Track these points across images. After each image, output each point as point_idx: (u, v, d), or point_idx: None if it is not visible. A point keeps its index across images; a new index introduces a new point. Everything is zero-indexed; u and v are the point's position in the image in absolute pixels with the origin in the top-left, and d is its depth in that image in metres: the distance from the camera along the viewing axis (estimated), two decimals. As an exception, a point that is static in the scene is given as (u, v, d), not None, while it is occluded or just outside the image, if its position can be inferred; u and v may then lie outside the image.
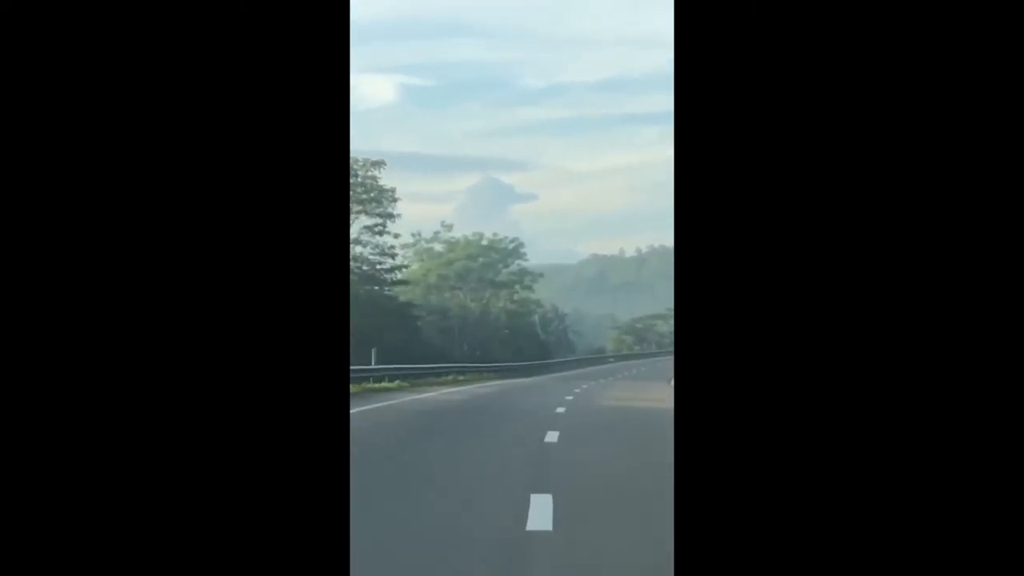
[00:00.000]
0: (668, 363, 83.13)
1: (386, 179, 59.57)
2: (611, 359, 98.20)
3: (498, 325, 79.34)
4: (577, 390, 35.12)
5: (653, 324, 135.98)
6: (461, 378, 48.52)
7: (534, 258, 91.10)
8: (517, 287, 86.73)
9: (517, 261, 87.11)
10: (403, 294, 65.70)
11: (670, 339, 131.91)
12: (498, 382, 46.51)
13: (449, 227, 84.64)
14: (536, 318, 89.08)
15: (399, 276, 63.65)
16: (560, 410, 22.74)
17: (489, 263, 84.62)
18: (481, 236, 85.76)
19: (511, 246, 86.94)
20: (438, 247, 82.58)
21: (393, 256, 62.32)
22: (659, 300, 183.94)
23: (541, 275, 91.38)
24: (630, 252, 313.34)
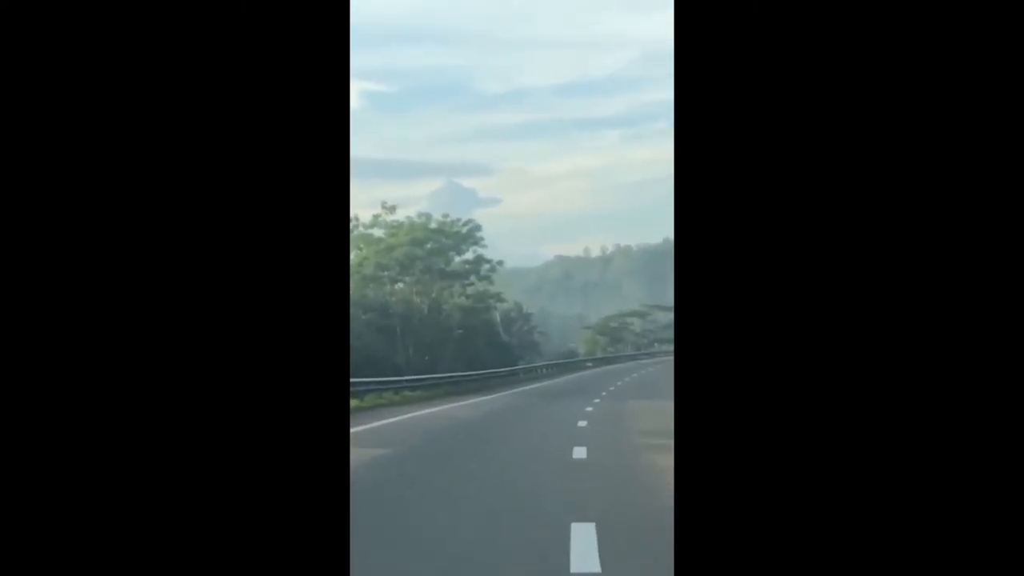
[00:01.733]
0: (657, 369, 62.56)
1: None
2: (588, 363, 76.97)
3: (450, 324, 58.79)
4: (579, 452, 14.40)
5: (628, 323, 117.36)
6: (355, 404, 25.90)
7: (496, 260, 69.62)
8: (473, 278, 65.57)
9: (472, 247, 66.16)
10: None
11: (647, 339, 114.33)
12: (421, 412, 24.12)
13: (391, 209, 63.29)
14: (497, 315, 68.03)
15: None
16: None
17: (439, 249, 63.47)
18: (429, 218, 64.87)
19: (465, 229, 65.78)
20: (378, 232, 61.63)
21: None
22: (628, 299, 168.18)
23: (500, 262, 70.26)
24: (595, 252, 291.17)
